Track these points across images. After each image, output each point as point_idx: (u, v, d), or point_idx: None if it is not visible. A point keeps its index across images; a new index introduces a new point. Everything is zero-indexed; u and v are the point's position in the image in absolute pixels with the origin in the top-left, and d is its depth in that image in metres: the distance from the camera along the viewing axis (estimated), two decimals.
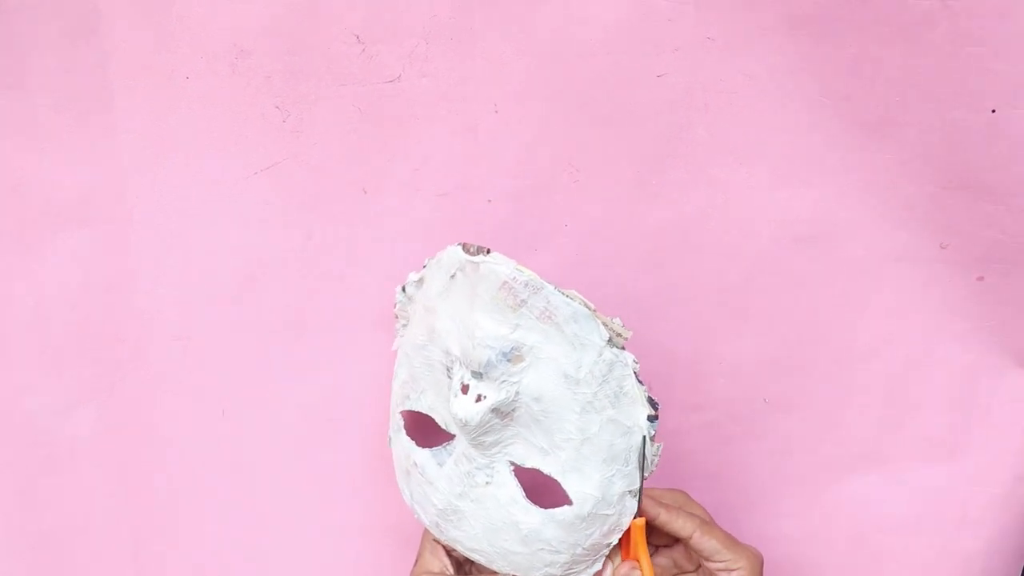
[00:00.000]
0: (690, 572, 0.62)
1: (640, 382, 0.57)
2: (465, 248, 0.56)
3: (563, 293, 0.55)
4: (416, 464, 0.61)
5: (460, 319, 0.56)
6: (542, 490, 0.59)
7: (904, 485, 0.67)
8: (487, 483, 0.58)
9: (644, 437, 0.57)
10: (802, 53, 0.60)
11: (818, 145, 0.62)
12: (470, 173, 0.64)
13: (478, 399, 0.55)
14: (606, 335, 0.56)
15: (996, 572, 0.68)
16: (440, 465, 0.60)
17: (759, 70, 0.61)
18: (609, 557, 0.60)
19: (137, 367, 0.67)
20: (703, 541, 0.58)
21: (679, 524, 0.59)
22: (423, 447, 0.61)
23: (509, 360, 0.55)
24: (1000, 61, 0.57)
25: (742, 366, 0.66)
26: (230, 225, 0.65)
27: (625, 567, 0.59)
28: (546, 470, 0.57)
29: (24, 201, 0.64)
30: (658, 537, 0.62)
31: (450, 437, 0.60)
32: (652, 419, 0.57)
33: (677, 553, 0.62)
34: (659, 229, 0.64)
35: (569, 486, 0.57)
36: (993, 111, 0.59)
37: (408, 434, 0.61)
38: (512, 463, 0.58)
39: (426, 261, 0.60)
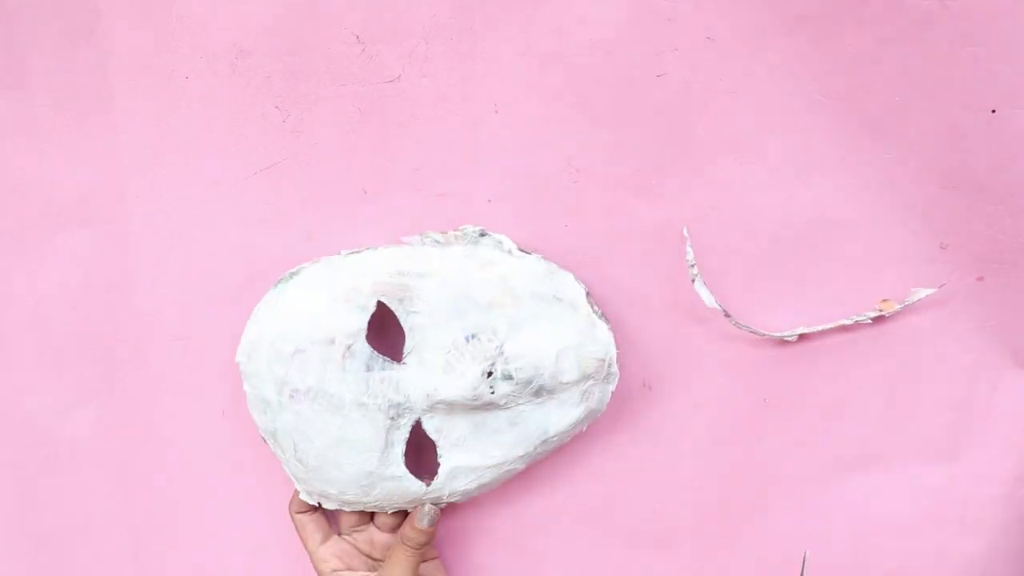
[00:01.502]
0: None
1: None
2: (588, 298, 0.62)
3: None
4: (349, 348, 0.60)
5: (554, 338, 0.60)
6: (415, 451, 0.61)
7: (904, 485, 0.67)
8: (392, 419, 0.60)
9: None
10: (802, 53, 0.60)
11: (818, 145, 0.62)
12: (470, 173, 0.64)
13: (490, 374, 0.59)
14: None
15: (996, 572, 0.68)
16: (368, 370, 0.60)
17: (759, 69, 0.61)
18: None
19: (137, 367, 0.67)
20: None
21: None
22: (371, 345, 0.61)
23: (535, 393, 0.60)
24: (1000, 61, 0.57)
25: (742, 366, 0.66)
26: (230, 225, 0.65)
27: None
28: (443, 454, 0.61)
29: (24, 201, 0.64)
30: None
31: (398, 356, 0.61)
32: None
33: None
34: (659, 228, 0.64)
35: (440, 478, 0.61)
36: (993, 111, 0.59)
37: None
38: (421, 424, 0.61)
39: (537, 254, 0.63)
